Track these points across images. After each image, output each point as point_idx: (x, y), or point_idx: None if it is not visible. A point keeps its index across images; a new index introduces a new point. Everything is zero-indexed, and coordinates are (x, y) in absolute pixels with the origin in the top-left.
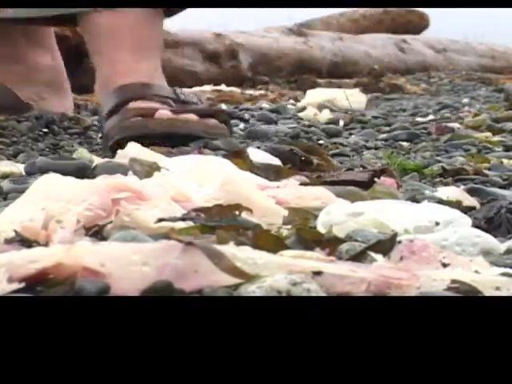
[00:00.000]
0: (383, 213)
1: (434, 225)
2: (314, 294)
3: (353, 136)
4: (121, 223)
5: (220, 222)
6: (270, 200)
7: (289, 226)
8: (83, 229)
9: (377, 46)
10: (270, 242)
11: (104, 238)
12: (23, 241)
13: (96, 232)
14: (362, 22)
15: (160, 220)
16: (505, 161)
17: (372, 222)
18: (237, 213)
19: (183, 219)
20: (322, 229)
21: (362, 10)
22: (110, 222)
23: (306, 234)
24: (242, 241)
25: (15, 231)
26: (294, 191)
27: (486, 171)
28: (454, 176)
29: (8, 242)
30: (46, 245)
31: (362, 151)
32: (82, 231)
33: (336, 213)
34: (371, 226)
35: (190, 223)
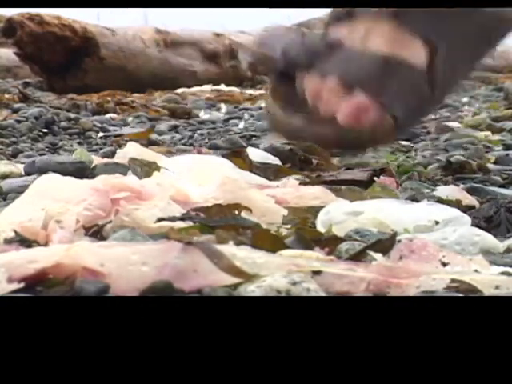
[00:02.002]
0: (383, 212)
1: (433, 224)
2: (313, 294)
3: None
4: (120, 223)
5: (219, 221)
6: (269, 199)
7: (288, 226)
8: (83, 229)
9: None
10: (269, 241)
11: (103, 238)
12: (23, 241)
13: (95, 232)
14: None
15: (159, 220)
16: None
17: (372, 222)
18: (236, 212)
19: (183, 219)
20: (321, 228)
21: None
22: (110, 222)
23: (305, 233)
24: (241, 240)
25: (15, 231)
26: (294, 190)
27: (491, 165)
28: (458, 170)
29: (8, 242)
30: (46, 245)
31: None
32: (82, 231)
33: (335, 212)
34: (371, 225)
35: (190, 223)
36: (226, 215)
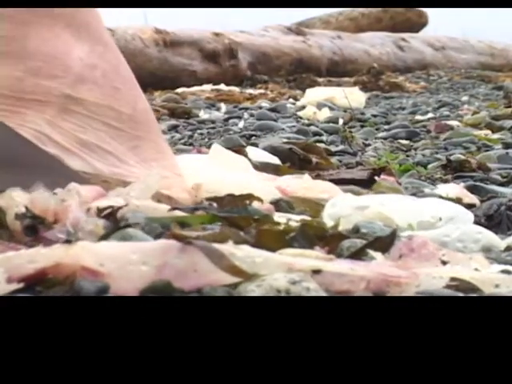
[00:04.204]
0: (388, 207)
1: (437, 220)
2: (313, 293)
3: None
4: (134, 208)
5: (231, 211)
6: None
7: (298, 218)
8: (97, 210)
9: (376, 44)
10: (273, 238)
11: (117, 221)
12: (33, 217)
13: (109, 214)
14: (360, 20)
15: (173, 208)
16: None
17: (377, 216)
18: (247, 202)
19: (196, 208)
20: (328, 221)
21: (360, 9)
22: (126, 205)
23: (310, 228)
24: (245, 238)
25: (26, 207)
26: (302, 183)
27: (491, 164)
28: (458, 168)
29: (19, 217)
30: (55, 223)
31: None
32: (95, 212)
33: (341, 205)
34: (376, 219)
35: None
36: (238, 206)
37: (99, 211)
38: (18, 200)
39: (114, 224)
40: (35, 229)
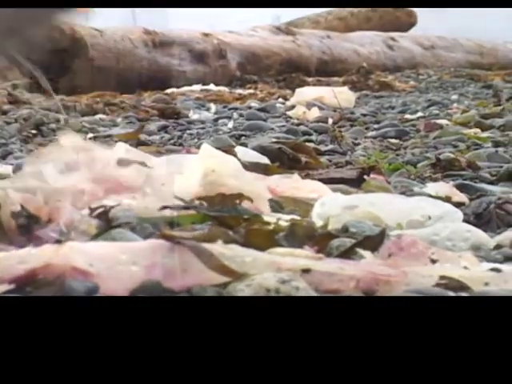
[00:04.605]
0: (377, 206)
1: (426, 219)
2: (302, 292)
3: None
4: (127, 207)
5: (221, 211)
6: (254, 183)
7: (288, 217)
8: (88, 209)
9: (365, 43)
10: (262, 238)
11: (110, 220)
12: (28, 216)
13: (102, 213)
14: (349, 19)
15: (164, 207)
16: None
17: (366, 215)
18: (238, 202)
19: (187, 207)
20: (317, 220)
21: (349, 8)
22: (118, 205)
23: (299, 228)
24: (233, 238)
25: (21, 205)
26: (292, 182)
27: (481, 163)
28: (447, 167)
29: (14, 216)
30: (49, 221)
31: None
32: (87, 211)
33: (330, 205)
34: (365, 218)
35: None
36: (228, 205)
37: (91, 211)
38: (13, 198)
39: (107, 223)
40: (29, 227)
